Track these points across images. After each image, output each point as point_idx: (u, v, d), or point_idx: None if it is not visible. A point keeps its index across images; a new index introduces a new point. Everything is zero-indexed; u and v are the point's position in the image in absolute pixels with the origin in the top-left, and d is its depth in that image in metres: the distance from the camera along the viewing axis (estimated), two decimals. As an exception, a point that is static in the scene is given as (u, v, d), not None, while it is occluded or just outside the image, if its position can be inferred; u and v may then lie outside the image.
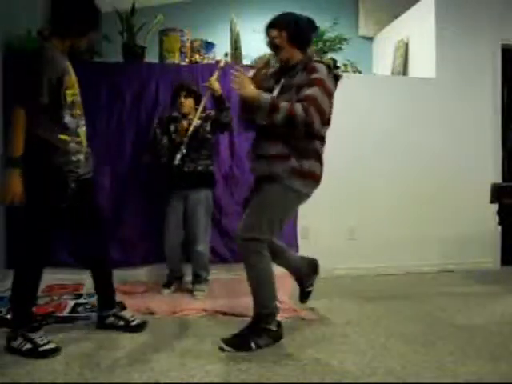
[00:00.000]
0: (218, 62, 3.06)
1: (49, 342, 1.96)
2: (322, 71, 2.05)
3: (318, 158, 2.14)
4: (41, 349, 1.92)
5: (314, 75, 2.02)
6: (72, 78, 2.03)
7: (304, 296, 2.58)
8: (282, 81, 2.15)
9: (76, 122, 2.03)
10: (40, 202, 1.96)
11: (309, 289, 2.56)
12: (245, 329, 2.09)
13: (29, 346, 1.93)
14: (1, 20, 3.02)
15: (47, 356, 1.91)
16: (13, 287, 2.00)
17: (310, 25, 2.21)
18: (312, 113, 1.94)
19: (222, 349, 2.02)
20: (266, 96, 2.01)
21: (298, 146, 2.05)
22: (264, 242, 2.06)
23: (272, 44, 2.16)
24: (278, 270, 3.45)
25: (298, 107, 1.95)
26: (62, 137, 1.96)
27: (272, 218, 2.07)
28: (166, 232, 2.96)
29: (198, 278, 2.96)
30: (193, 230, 2.92)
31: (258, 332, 2.06)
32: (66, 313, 2.45)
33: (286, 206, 2.13)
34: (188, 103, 2.92)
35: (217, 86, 2.81)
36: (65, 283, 2.99)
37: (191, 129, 2.81)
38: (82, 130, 2.09)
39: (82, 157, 2.05)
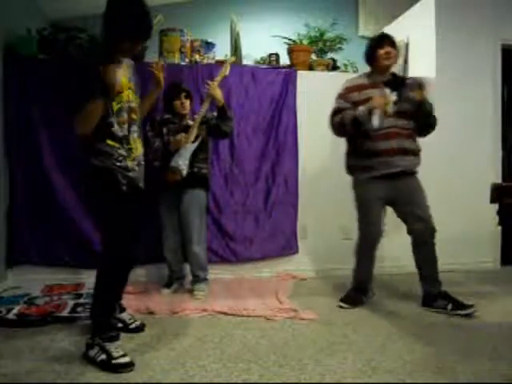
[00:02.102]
0: (222, 62, 3.04)
1: (124, 356, 1.87)
2: None
3: None
4: (114, 361, 1.84)
5: None
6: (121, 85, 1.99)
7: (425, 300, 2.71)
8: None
9: (124, 129, 2.00)
10: (103, 202, 1.99)
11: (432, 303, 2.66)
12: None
13: (103, 356, 1.86)
14: (1, 20, 3.02)
15: (117, 370, 1.82)
16: (95, 294, 1.98)
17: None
18: None
19: (340, 306, 2.68)
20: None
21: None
22: None
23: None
24: (279, 271, 3.48)
25: None
26: (110, 142, 1.97)
27: None
28: (163, 234, 2.97)
29: (196, 278, 2.96)
30: (187, 231, 2.91)
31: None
32: (65, 313, 2.44)
33: None
34: (188, 104, 2.93)
35: (220, 95, 2.82)
36: (65, 283, 3.00)
37: (191, 138, 2.81)
38: (134, 136, 2.05)
39: (130, 163, 2.01)
